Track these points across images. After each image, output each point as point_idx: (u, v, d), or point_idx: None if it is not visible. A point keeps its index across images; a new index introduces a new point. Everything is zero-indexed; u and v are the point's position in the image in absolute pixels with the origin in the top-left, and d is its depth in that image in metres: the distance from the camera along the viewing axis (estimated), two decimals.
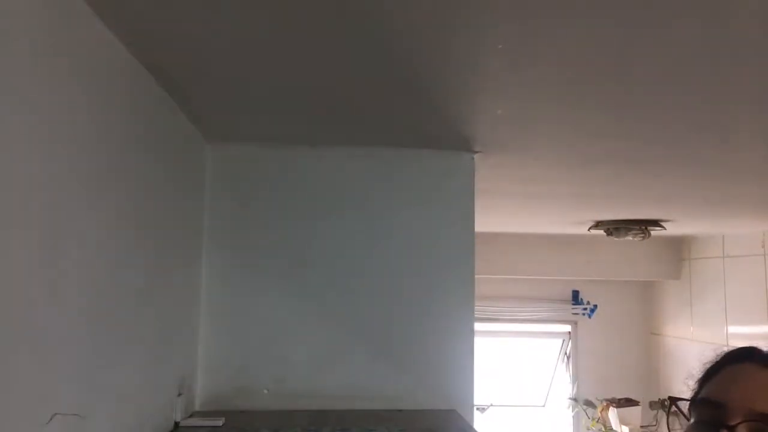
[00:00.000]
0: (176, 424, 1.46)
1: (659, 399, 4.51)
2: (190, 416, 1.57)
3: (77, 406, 0.94)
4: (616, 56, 1.08)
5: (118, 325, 1.11)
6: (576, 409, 4.80)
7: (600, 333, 4.87)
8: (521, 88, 1.27)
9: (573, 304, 4.92)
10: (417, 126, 1.59)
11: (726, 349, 0.81)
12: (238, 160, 1.76)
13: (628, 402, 4.54)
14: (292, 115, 1.51)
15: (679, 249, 4.52)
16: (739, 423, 0.70)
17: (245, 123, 1.59)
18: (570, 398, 4.86)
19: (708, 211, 3.06)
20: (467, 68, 1.16)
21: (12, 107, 0.75)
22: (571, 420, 4.86)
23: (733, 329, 3.93)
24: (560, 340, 5.02)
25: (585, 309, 4.92)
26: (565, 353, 5.00)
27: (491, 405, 4.61)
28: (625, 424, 4.46)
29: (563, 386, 4.96)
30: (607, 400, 4.58)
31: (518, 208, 3.05)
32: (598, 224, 3.51)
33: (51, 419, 0.85)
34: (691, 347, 4.38)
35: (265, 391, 1.69)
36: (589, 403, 4.70)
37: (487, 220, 3.46)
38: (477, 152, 1.79)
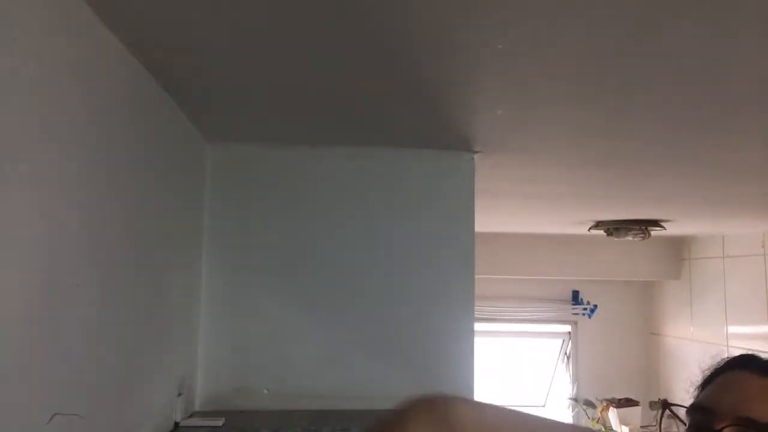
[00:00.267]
0: (176, 424, 1.46)
1: (659, 399, 4.50)
2: (190, 416, 1.57)
3: (77, 406, 0.94)
4: (616, 56, 1.08)
5: (118, 325, 1.11)
6: (576, 409, 4.80)
7: (600, 333, 4.87)
8: (521, 88, 1.27)
9: (573, 304, 4.92)
10: (417, 126, 1.59)
11: (726, 356, 0.82)
12: (238, 160, 1.76)
13: (628, 402, 4.53)
14: (291, 115, 1.51)
15: (679, 249, 4.52)
16: (724, 427, 0.72)
17: (245, 123, 1.59)
18: (570, 398, 4.86)
19: (708, 211, 3.06)
20: (467, 69, 1.16)
21: (11, 107, 0.75)
22: (571, 420, 4.85)
23: (733, 329, 3.93)
24: (560, 340, 5.02)
25: (585, 309, 4.92)
26: (565, 353, 5.01)
27: None
28: (625, 424, 4.46)
29: (563, 386, 4.96)
30: (607, 400, 4.58)
31: (518, 208, 3.05)
32: (598, 224, 3.52)
33: (51, 419, 0.85)
34: (691, 347, 4.38)
35: (265, 391, 1.69)
36: (589, 403, 4.69)
37: (487, 220, 3.46)
38: (477, 152, 1.79)
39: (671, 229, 3.63)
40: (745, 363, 0.79)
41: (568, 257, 4.35)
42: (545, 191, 2.52)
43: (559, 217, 3.37)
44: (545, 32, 0.98)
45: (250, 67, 1.18)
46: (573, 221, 3.50)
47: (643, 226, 3.39)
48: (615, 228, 3.44)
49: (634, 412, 4.52)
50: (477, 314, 1.82)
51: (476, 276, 1.78)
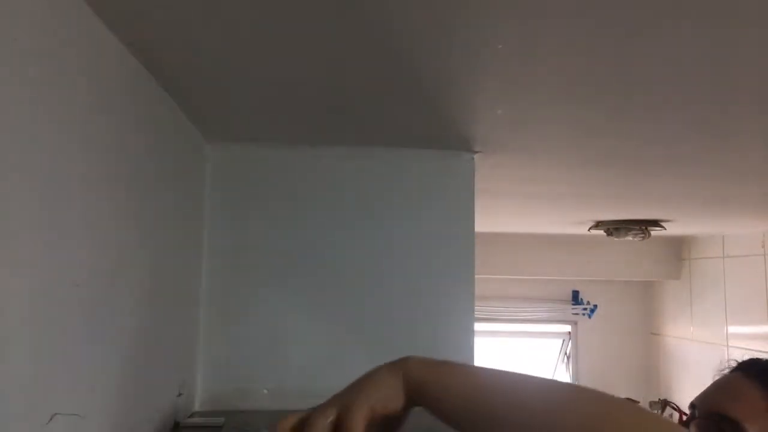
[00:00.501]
0: (176, 424, 1.46)
1: (659, 399, 4.51)
2: (190, 416, 1.57)
3: (77, 406, 0.94)
4: (616, 56, 1.08)
5: (118, 324, 1.11)
6: None
7: (600, 333, 4.87)
8: (521, 88, 1.27)
9: (573, 304, 4.92)
10: (417, 126, 1.59)
11: (740, 359, 0.87)
12: (238, 160, 1.76)
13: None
14: (291, 115, 1.51)
15: (679, 249, 4.52)
16: (693, 419, 0.79)
17: (245, 123, 1.59)
18: None
19: (708, 211, 3.06)
20: (467, 69, 1.16)
21: (10, 107, 0.75)
22: None
23: (733, 329, 3.93)
24: (560, 340, 5.02)
25: (585, 309, 4.92)
26: (565, 353, 5.01)
27: None
28: None
29: None
30: None
31: (518, 208, 3.05)
32: (598, 224, 3.52)
33: (51, 419, 0.85)
34: (691, 347, 4.38)
35: (265, 391, 1.69)
36: None
37: (487, 220, 3.46)
38: (477, 152, 1.79)
39: (671, 229, 3.63)
40: (745, 367, 0.83)
41: (568, 257, 4.35)
42: (545, 191, 2.52)
43: (559, 217, 3.37)
44: (545, 32, 0.99)
45: (250, 67, 1.18)
46: (573, 221, 3.50)
47: (643, 226, 3.39)
48: (615, 228, 3.44)
49: None
50: (477, 314, 1.82)
51: (476, 276, 1.78)
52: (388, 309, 1.74)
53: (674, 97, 1.29)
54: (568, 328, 4.99)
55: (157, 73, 1.22)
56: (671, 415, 3.50)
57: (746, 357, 0.86)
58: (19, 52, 0.76)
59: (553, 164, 2.00)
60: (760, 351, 3.55)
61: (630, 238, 3.44)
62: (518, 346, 5.12)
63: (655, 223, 3.40)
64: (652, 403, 4.48)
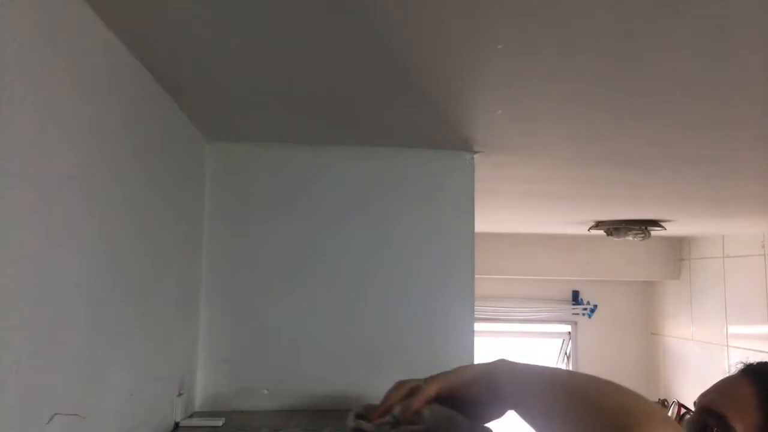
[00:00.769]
0: (176, 424, 1.46)
1: (659, 399, 4.51)
2: (190, 416, 1.57)
3: (77, 406, 0.94)
4: (617, 56, 1.08)
5: (118, 325, 1.11)
6: None
7: (600, 333, 4.88)
8: (521, 88, 1.27)
9: (573, 304, 4.92)
10: (417, 126, 1.59)
11: (743, 360, 0.90)
12: (238, 160, 1.76)
13: None
14: (291, 115, 1.51)
15: (679, 249, 4.53)
16: (685, 415, 0.83)
17: (245, 123, 1.59)
18: None
19: (708, 211, 3.07)
20: (467, 69, 1.16)
21: (9, 107, 0.75)
22: None
23: (733, 329, 3.93)
24: (560, 340, 5.02)
25: (585, 309, 4.92)
26: (565, 353, 5.01)
27: None
28: None
29: None
30: None
31: (518, 208, 3.05)
32: (598, 224, 3.52)
33: (51, 419, 0.85)
34: (691, 347, 4.38)
35: (265, 391, 1.69)
36: None
37: (487, 220, 3.46)
38: (477, 152, 1.79)
39: (671, 229, 3.63)
40: (747, 368, 0.84)
41: (568, 257, 4.36)
42: (545, 191, 2.52)
43: (559, 217, 3.37)
44: (545, 32, 0.99)
45: (250, 67, 1.18)
46: (573, 221, 3.50)
47: (643, 226, 3.40)
48: (615, 228, 3.44)
49: None
50: (477, 314, 1.82)
51: (476, 276, 1.78)
52: (388, 309, 1.74)
53: (675, 96, 1.29)
54: (568, 328, 4.99)
55: (157, 73, 1.22)
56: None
57: (755, 360, 0.87)
58: (16, 52, 0.76)
59: (553, 164, 2.00)
60: (760, 351, 3.55)
61: (630, 238, 3.44)
62: (518, 346, 5.12)
63: (655, 223, 3.40)
64: None
